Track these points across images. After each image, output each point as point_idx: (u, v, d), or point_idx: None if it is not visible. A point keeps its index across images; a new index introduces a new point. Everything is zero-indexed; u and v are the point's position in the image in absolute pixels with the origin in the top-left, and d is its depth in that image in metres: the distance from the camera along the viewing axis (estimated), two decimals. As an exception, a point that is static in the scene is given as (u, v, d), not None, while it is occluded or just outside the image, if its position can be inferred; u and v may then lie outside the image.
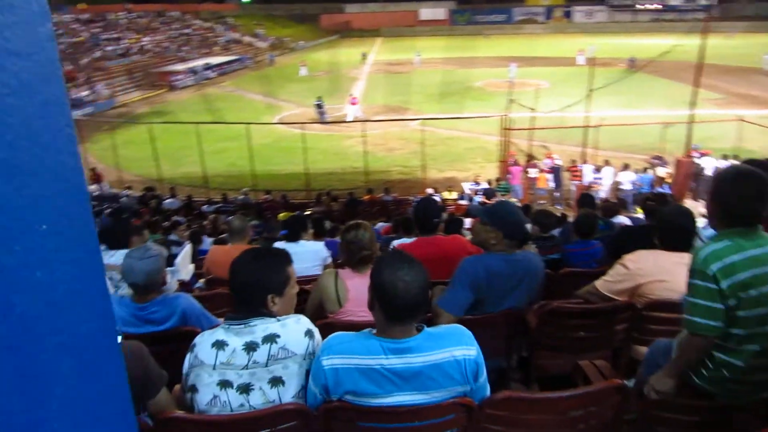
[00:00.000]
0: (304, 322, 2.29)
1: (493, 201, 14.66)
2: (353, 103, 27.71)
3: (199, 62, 47.75)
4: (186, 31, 61.19)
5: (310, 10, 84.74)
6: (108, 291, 0.83)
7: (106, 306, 0.87)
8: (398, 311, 2.06)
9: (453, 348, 2.11)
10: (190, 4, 68.86)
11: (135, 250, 3.06)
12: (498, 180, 16.74)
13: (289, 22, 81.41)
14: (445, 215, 11.78)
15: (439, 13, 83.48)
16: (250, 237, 5.49)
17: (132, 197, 16.39)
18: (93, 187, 18.44)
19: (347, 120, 26.64)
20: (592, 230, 5.02)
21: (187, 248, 5.41)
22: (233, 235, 5.11)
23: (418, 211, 4.32)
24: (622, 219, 7.13)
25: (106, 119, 28.82)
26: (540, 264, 3.36)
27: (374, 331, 2.16)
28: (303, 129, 19.04)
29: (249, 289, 2.24)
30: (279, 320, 2.25)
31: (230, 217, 6.97)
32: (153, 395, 2.16)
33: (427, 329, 2.16)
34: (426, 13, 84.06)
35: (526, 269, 3.22)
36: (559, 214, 9.94)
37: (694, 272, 2.37)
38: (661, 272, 3.38)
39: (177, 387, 2.31)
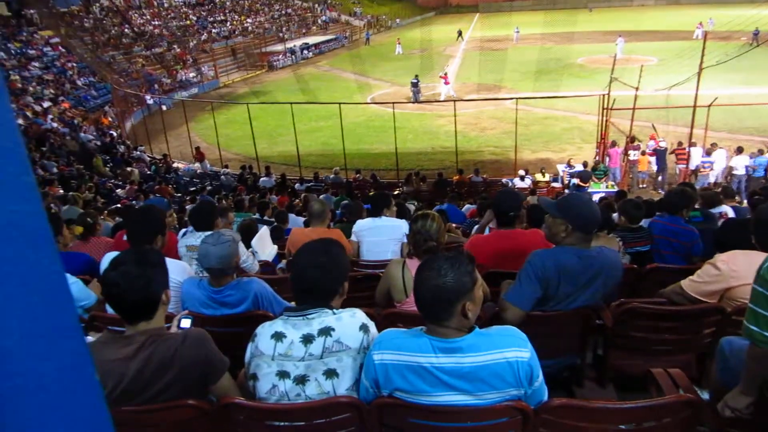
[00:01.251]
0: (359, 317, 2.32)
1: (588, 184, 14.08)
2: (446, 82, 27.41)
3: (298, 42, 49.01)
4: (286, 11, 62.87)
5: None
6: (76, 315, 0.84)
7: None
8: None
9: (505, 350, 2.06)
10: (290, -15, 70.77)
11: (210, 236, 3.21)
12: (596, 162, 16.01)
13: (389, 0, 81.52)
14: (533, 199, 11.51)
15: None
16: (330, 219, 5.60)
17: (231, 175, 17.22)
18: (196, 165, 19.55)
19: (440, 99, 26.41)
20: (680, 205, 4.68)
21: (264, 230, 5.61)
22: (313, 219, 5.23)
23: (495, 204, 4.24)
24: (725, 209, 6.59)
25: (209, 99, 30.32)
26: (617, 261, 3.19)
27: (425, 329, 2.15)
28: (395, 108, 19.08)
29: (308, 285, 2.30)
30: (335, 313, 2.29)
31: (312, 199, 7.21)
32: (215, 381, 2.28)
33: (478, 330, 2.12)
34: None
35: (600, 266, 3.06)
36: (656, 200, 9.38)
37: (758, 277, 2.20)
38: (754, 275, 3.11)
39: (241, 372, 2.42)
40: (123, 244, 3.72)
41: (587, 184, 14.18)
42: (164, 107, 29.69)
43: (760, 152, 14.72)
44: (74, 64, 31.76)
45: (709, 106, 14.84)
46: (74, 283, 3.79)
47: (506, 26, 51.46)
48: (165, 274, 2.28)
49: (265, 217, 8.63)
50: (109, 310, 3.24)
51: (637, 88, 15.36)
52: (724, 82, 23.55)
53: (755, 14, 40.57)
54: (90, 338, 2.54)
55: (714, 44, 19.00)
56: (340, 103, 19.17)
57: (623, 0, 72.23)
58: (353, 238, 5.32)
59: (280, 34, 52.88)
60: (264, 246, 5.25)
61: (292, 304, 2.41)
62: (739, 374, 2.41)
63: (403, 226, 5.19)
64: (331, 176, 16.55)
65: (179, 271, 3.53)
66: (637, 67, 17.20)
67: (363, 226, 5.30)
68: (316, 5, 68.86)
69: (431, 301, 2.06)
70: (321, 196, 12.63)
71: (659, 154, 15.74)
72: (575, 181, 14.29)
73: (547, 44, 42.15)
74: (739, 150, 14.95)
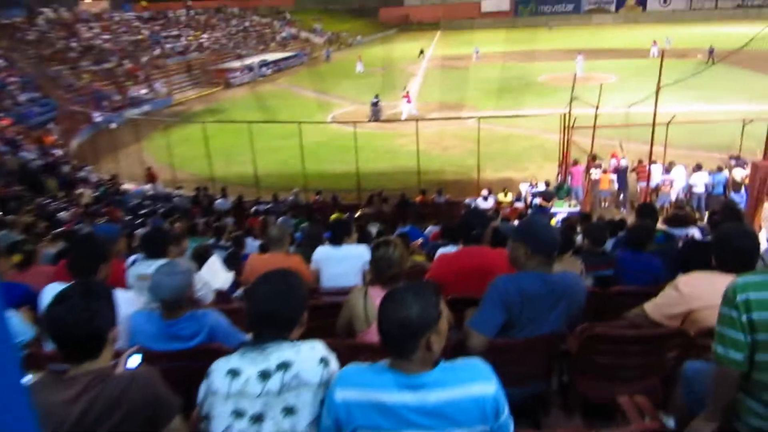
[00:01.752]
0: (319, 349, 2.29)
1: (550, 204, 14.36)
2: (408, 101, 27.70)
3: (256, 59, 48.91)
4: (244, 26, 62.79)
5: (369, 3, 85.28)
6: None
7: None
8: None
9: (470, 384, 2.06)
10: (248, 0, 70.64)
11: (164, 266, 3.14)
12: (559, 182, 16.35)
13: (347, 16, 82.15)
14: (498, 219, 11.65)
15: (502, 3, 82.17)
16: (289, 244, 5.56)
17: (184, 197, 16.94)
18: (147, 187, 19.19)
19: (402, 118, 26.67)
20: (644, 243, 4.82)
21: (213, 259, 5.54)
22: (271, 244, 5.19)
23: (461, 223, 4.35)
24: (691, 230, 6.79)
25: (162, 118, 29.89)
26: (580, 285, 3.26)
27: (389, 362, 2.14)
28: (356, 127, 19.17)
29: (265, 318, 2.27)
30: (294, 345, 2.26)
31: (278, 219, 7.09)
32: (166, 423, 2.21)
33: (443, 363, 2.12)
34: (488, 4, 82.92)
35: (563, 290, 3.12)
36: (618, 218, 9.62)
37: (725, 299, 2.29)
38: (716, 297, 3.21)
39: (194, 413, 2.36)
40: (65, 274, 3.60)
41: (550, 204, 14.45)
42: (113, 125, 29.12)
43: (719, 169, 15.29)
44: (16, 79, 30.94)
45: (668, 123, 15.38)
46: (11, 316, 3.64)
47: (467, 44, 52.57)
48: (113, 309, 2.22)
49: (222, 242, 8.50)
50: (49, 345, 3.13)
51: (597, 107, 15.80)
52: (682, 99, 24.45)
53: (709, 32, 42.25)
54: (29, 377, 2.44)
55: (671, 62, 19.75)
56: (299, 122, 19.15)
57: (582, 18, 74.86)
58: (313, 266, 5.28)
59: (238, 51, 52.74)
60: (215, 275, 5.16)
61: (249, 336, 2.37)
62: (704, 399, 2.47)
63: (364, 254, 5.20)
64: (291, 198, 16.45)
65: (128, 302, 3.43)
66: (596, 85, 17.74)
67: (323, 255, 5.28)
68: (275, 21, 69.02)
69: (395, 335, 2.06)
70: (280, 219, 12.54)
71: (620, 172, 16.17)
72: (538, 200, 14.55)
73: (509, 62, 43.15)
74: (698, 167, 15.50)
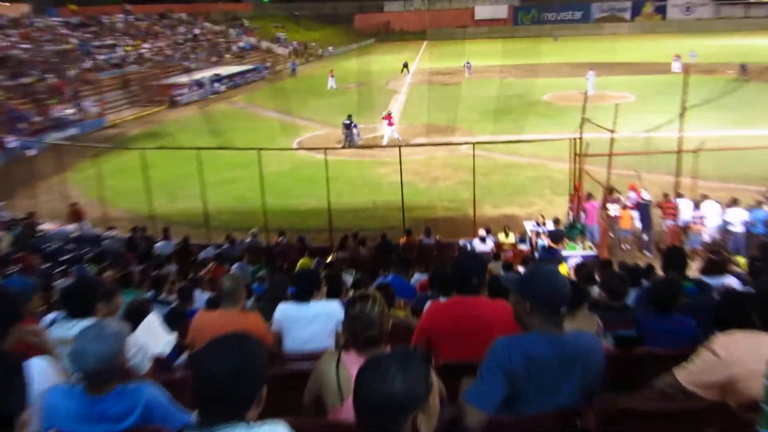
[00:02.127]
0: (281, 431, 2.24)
1: (561, 245, 14.46)
2: (389, 123, 28.00)
3: (207, 73, 49.31)
4: (193, 34, 63.39)
5: (342, 9, 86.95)
6: None
7: None
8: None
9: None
10: (199, 4, 71.51)
11: (89, 328, 3.07)
12: (572, 220, 16.49)
13: (315, 23, 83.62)
14: (496, 265, 11.67)
15: (499, 10, 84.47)
16: (245, 298, 5.50)
17: (117, 239, 16.74)
18: (72, 227, 18.94)
19: (382, 144, 26.89)
20: (670, 303, 4.83)
21: (150, 318, 5.46)
22: (223, 298, 5.13)
23: (454, 268, 4.35)
24: (728, 280, 6.83)
25: (92, 143, 29.75)
26: (598, 347, 3.24)
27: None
28: (327, 154, 19.26)
29: (215, 394, 2.22)
30: (250, 428, 2.21)
31: (232, 266, 6.95)
32: None
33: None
34: (483, 11, 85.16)
35: (576, 354, 3.08)
36: (644, 265, 9.69)
37: None
38: (760, 362, 3.20)
39: None
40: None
41: (560, 246, 14.55)
42: (32, 152, 28.89)
43: (758, 204, 15.54)
44: None
45: (696, 151, 15.66)
46: None
47: (459, 57, 53.67)
48: (23, 386, 2.15)
49: (162, 296, 8.39)
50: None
51: (612, 131, 16.04)
52: (711, 122, 25.05)
53: (740, 44, 43.59)
54: None
55: (698, 79, 20.33)
56: (259, 149, 19.15)
57: (592, 28, 77.05)
58: (274, 327, 5.23)
59: (185, 63, 53.14)
60: (154, 338, 5.08)
61: (195, 415, 2.32)
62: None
63: (337, 311, 5.15)
64: (248, 240, 16.35)
65: (44, 374, 3.34)
66: (611, 105, 18.10)
67: (287, 315, 5.23)
68: (231, 29, 69.86)
69: (375, 413, 2.02)
70: (234, 266, 12.44)
71: (642, 208, 16.37)
72: (546, 242, 14.65)
73: (507, 78, 44.03)
74: (734, 202, 15.76)
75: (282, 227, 17.65)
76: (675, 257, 6.05)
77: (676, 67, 41.93)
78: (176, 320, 6.67)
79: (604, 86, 36.82)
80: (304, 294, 5.33)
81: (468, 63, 48.90)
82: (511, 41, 67.13)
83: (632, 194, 16.99)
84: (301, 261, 13.48)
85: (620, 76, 42.02)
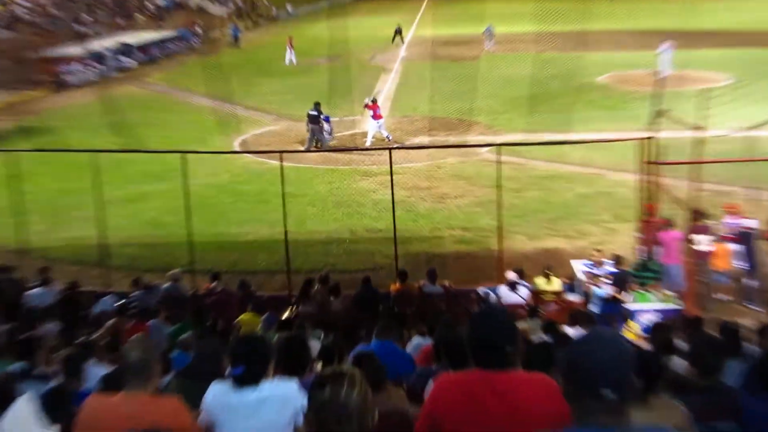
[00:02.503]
0: None
1: (628, 296, 14.41)
2: (375, 116, 28.00)
3: (110, 42, 49.30)
4: (89, -13, 63.62)
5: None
6: None
7: None
8: None
9: None
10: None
11: None
12: (646, 258, 16.42)
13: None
14: (533, 325, 11.57)
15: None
16: (160, 375, 5.39)
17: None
18: None
19: (365, 146, 26.89)
20: None
21: (24, 400, 5.36)
22: (128, 375, 5.02)
23: (472, 330, 4.24)
24: None
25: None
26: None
27: None
28: (285, 160, 19.25)
29: None
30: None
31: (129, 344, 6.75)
32: None
33: None
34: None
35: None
36: (750, 324, 9.64)
37: None
38: None
39: None
40: None
41: (627, 296, 14.51)
42: None
43: None
44: None
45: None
46: None
47: (474, 19, 54.00)
48: None
49: (38, 369, 8.29)
50: None
51: (701, 128, 16.11)
52: None
53: None
54: None
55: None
56: (183, 152, 19.09)
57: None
58: (202, 419, 5.13)
59: (78, 28, 53.17)
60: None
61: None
62: None
63: (296, 396, 5.09)
64: (166, 285, 16.21)
65: None
66: (697, 91, 18.22)
67: (221, 401, 5.14)
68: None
69: None
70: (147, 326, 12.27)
71: (745, 240, 16.37)
72: (605, 290, 14.60)
73: (546, 51, 44.24)
74: None
75: (216, 267, 17.54)
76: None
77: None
78: (59, 406, 6.53)
79: (685, 63, 37.11)
80: (248, 375, 5.23)
81: (489, 28, 49.23)
82: (549, -1, 67.63)
83: (730, 220, 16.98)
84: (242, 318, 13.34)
85: (710, 49, 42.39)
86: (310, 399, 3.43)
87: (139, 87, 42.36)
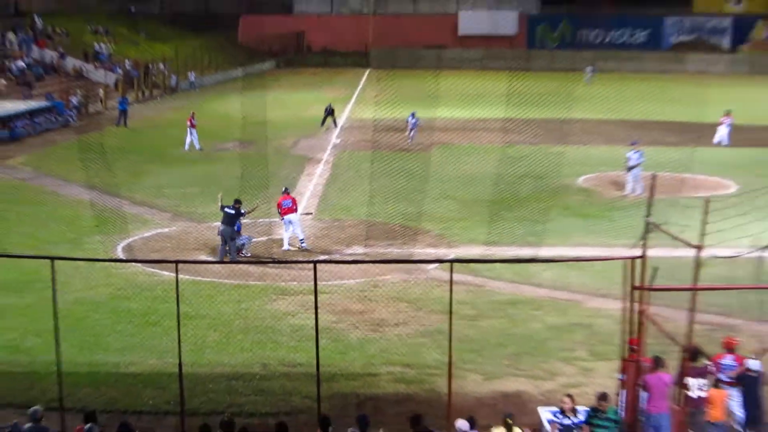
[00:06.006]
0: None
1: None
2: (288, 210, 28.23)
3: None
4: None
5: (216, 7, 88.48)
6: None
7: None
8: None
9: None
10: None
11: None
12: (599, 401, 16.61)
13: (167, 29, 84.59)
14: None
15: (505, 22, 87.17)
16: None
17: None
18: None
19: (280, 257, 27.04)
20: None
21: None
22: None
23: None
24: None
25: None
26: None
27: None
28: (180, 272, 19.29)
29: None
30: None
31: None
32: None
33: None
34: (473, 21, 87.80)
35: None
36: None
37: None
38: None
39: None
40: None
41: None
42: None
43: None
44: None
45: None
46: None
47: (427, 99, 54.25)
48: None
49: None
50: None
51: (700, 246, 16.54)
52: None
53: None
54: None
55: None
56: (52, 258, 19.15)
57: (663, 60, 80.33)
58: None
59: None
60: None
61: None
62: None
63: None
64: (27, 426, 16.16)
65: None
66: (696, 201, 18.68)
67: None
68: (8, 34, 70.21)
69: None
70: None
71: (747, 384, 16.72)
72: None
73: (516, 144, 45.03)
74: None
75: (90, 404, 17.48)
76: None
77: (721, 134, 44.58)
78: None
79: (686, 167, 37.95)
80: None
81: (414, 118, 50.06)
82: (522, 77, 68.81)
83: (730, 359, 17.32)
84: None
85: (712, 148, 43.49)
86: None
87: (1, 172, 42.12)
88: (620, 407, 16.63)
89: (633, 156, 37.40)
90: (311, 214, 29.07)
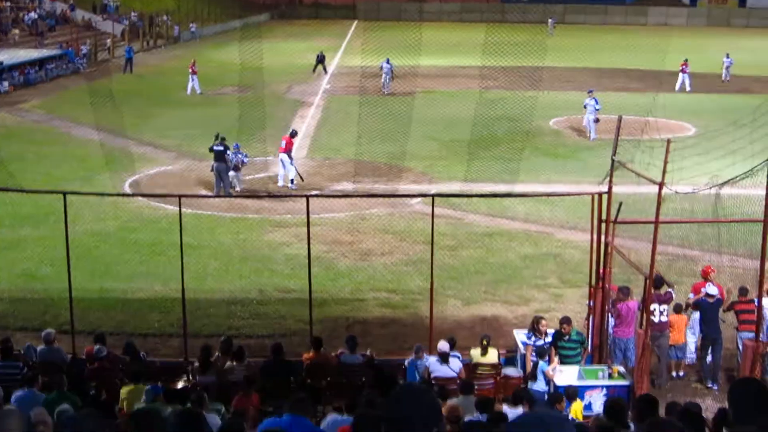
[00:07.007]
0: None
1: (552, 369, 14.64)
2: (286, 150, 28.11)
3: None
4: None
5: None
6: None
7: None
8: None
9: None
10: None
11: None
12: (560, 325, 16.54)
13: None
14: (465, 402, 11.70)
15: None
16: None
17: None
18: None
19: (276, 191, 26.91)
20: None
21: None
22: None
23: (391, 407, 4.24)
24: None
25: None
26: None
27: None
28: (183, 206, 19.11)
29: None
30: None
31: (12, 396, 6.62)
32: None
33: None
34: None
35: None
36: (708, 407, 9.83)
37: None
38: None
39: None
40: None
41: (559, 371, 14.71)
42: None
43: None
44: None
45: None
46: None
47: (411, 48, 54.04)
48: None
49: None
50: None
51: (662, 183, 16.41)
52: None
53: None
54: None
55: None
56: (64, 192, 18.93)
57: (628, 13, 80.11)
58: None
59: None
60: None
61: None
62: None
63: None
64: (40, 347, 16.02)
65: None
66: (661, 141, 18.48)
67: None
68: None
69: None
70: (16, 395, 12.13)
71: (705, 309, 16.65)
72: (549, 367, 14.72)
73: (492, 89, 44.84)
74: None
75: (100, 327, 17.39)
76: (757, 397, 5.97)
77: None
78: None
79: (649, 110, 37.78)
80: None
81: (389, 64, 49.37)
82: (498, 28, 68.45)
83: (711, 287, 17.15)
84: (124, 389, 13.17)
85: (674, 93, 43.42)
86: None
87: (12, 114, 41.83)
88: (590, 331, 16.66)
89: (590, 103, 37.44)
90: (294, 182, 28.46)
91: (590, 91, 38.52)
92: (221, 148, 27.33)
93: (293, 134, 29.30)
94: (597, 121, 35.80)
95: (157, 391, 12.75)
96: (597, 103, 37.07)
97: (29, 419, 6.88)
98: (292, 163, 28.15)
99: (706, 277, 17.45)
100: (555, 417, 3.33)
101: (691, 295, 17.32)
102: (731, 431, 6.03)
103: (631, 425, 8.78)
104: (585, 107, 37.33)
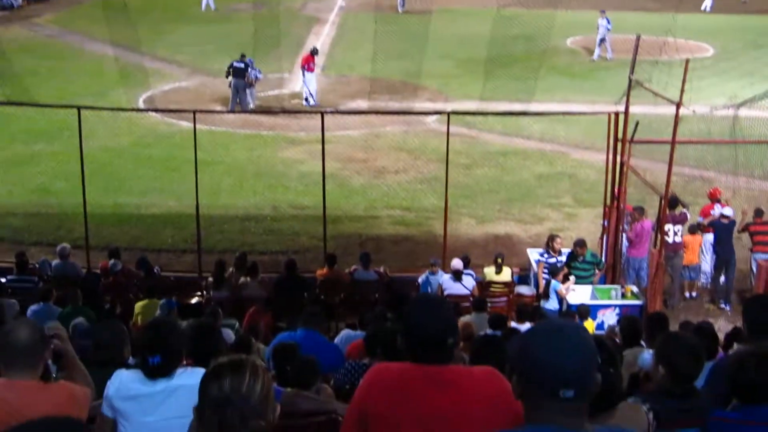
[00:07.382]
0: None
1: (565, 288, 14.65)
2: (308, 68, 27.96)
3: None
4: None
5: None
6: None
7: None
8: None
9: None
10: None
11: None
12: (575, 247, 16.50)
13: None
14: (479, 319, 11.71)
15: None
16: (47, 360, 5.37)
17: None
18: None
19: (303, 106, 26.77)
20: (762, 390, 4.85)
21: None
22: (11, 360, 4.99)
23: (406, 321, 4.21)
24: None
25: None
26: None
27: None
28: (198, 122, 19.03)
29: None
30: None
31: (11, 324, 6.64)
32: None
33: None
34: None
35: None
36: (721, 326, 9.80)
37: None
38: None
39: None
40: None
41: (572, 290, 14.74)
42: None
43: None
44: None
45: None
46: None
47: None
48: None
49: None
50: None
51: (679, 103, 16.23)
52: None
53: None
54: None
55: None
56: (79, 107, 18.84)
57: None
58: (104, 411, 5.14)
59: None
60: None
61: None
62: None
63: None
64: (55, 263, 16.08)
65: None
66: (679, 62, 18.24)
67: (126, 391, 5.13)
68: None
69: None
70: (32, 309, 12.18)
71: (720, 231, 16.62)
72: (560, 285, 14.72)
73: (509, 7, 44.29)
74: None
75: (114, 242, 17.43)
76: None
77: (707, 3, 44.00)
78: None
79: (667, 30, 37.33)
80: (161, 365, 5.22)
81: None
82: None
83: (715, 209, 17.12)
84: (138, 304, 13.25)
85: (692, 14, 42.84)
86: (201, 394, 3.33)
87: (26, 29, 41.54)
88: (603, 251, 16.66)
89: (602, 23, 37.00)
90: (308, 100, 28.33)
91: (602, 12, 38.03)
92: (242, 65, 27.30)
93: (314, 52, 28.98)
94: (603, 41, 35.57)
95: (171, 305, 12.83)
96: (609, 22, 36.57)
97: (43, 332, 6.86)
98: (305, 82, 28.04)
99: (714, 198, 17.46)
100: (574, 327, 3.19)
101: (699, 218, 17.30)
102: (744, 346, 6.08)
103: (643, 344, 8.81)
104: (598, 28, 36.79)
